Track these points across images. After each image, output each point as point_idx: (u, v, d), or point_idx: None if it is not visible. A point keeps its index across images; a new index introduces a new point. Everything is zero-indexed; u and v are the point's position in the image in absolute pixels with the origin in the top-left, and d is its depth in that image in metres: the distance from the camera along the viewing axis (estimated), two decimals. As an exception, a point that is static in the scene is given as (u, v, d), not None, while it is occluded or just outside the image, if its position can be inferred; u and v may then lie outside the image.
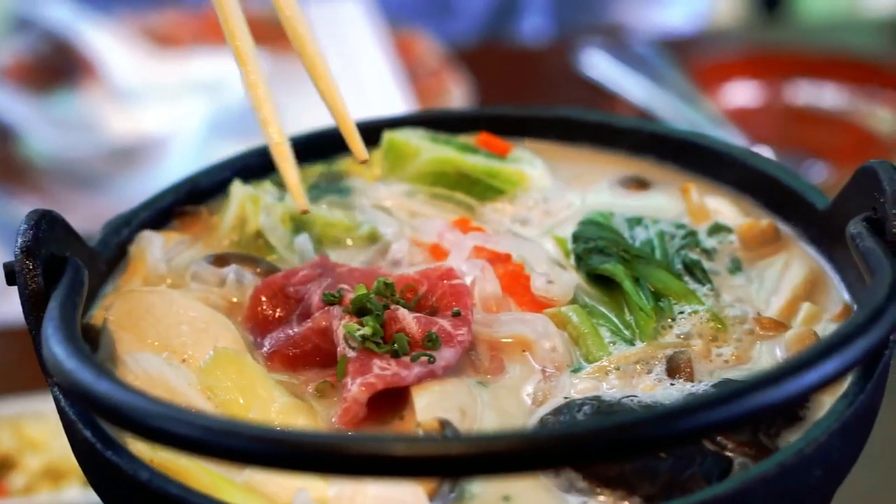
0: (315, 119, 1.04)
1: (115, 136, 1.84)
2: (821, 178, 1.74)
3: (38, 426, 1.29)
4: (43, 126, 1.83)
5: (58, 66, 1.96)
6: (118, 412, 0.64)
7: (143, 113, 1.87)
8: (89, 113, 1.89)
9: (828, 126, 1.95)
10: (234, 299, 0.88)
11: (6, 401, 1.32)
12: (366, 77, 1.94)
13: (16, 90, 1.91)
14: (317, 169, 1.04)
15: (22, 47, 2.02)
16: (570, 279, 0.89)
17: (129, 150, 1.82)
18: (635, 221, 0.95)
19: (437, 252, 0.92)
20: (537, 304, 0.87)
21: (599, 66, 2.03)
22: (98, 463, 0.73)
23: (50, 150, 1.82)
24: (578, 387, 0.80)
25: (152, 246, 0.91)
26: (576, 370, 0.82)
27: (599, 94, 1.96)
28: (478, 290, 0.85)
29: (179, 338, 0.83)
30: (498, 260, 0.89)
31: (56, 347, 0.70)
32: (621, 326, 0.85)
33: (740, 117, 1.92)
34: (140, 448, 0.73)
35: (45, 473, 1.26)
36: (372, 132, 1.03)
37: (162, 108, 1.84)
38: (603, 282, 0.89)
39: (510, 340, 0.83)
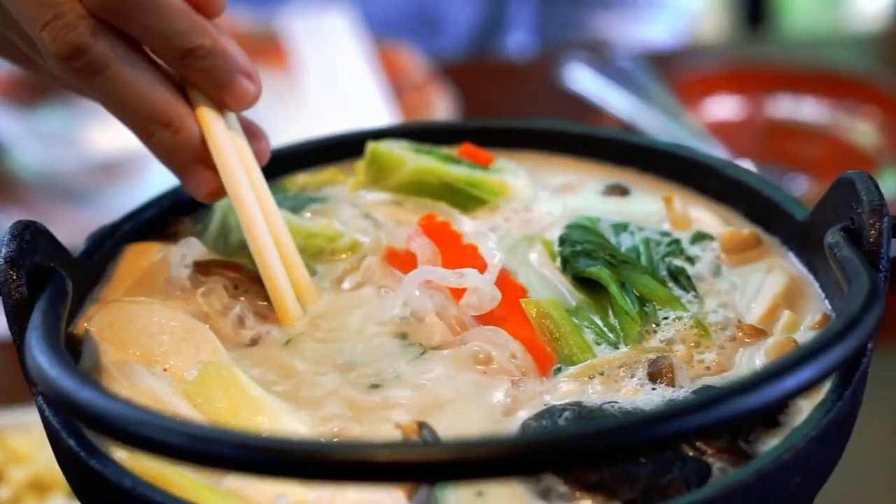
0: (296, 132, 1.05)
1: (99, 151, 1.85)
2: (802, 190, 1.75)
3: (23, 438, 1.29)
4: (29, 140, 1.84)
5: (44, 82, 1.97)
6: (102, 420, 0.64)
7: (127, 128, 1.87)
8: (74, 128, 1.89)
9: (809, 139, 1.97)
10: (217, 307, 0.89)
11: (-10, 413, 1.33)
12: (350, 89, 1.95)
13: (2, 105, 1.91)
14: (300, 179, 1.04)
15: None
16: (494, 264, 0.89)
17: (113, 164, 1.82)
18: (621, 227, 0.96)
19: (408, 258, 0.92)
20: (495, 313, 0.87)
21: (583, 80, 2.04)
22: (82, 471, 0.73)
23: (36, 164, 1.83)
24: (562, 389, 0.80)
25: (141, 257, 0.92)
26: (558, 371, 0.83)
27: (584, 107, 1.97)
28: (439, 317, 0.86)
29: (161, 347, 0.83)
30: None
31: (40, 356, 0.70)
32: (606, 330, 0.86)
33: (722, 131, 1.93)
34: (122, 456, 0.73)
35: (31, 485, 1.26)
36: (356, 143, 1.04)
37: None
38: (588, 285, 0.90)
39: (478, 353, 0.84)
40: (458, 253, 0.91)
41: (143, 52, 0.85)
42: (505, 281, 0.89)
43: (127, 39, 0.84)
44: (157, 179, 1.76)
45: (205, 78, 0.86)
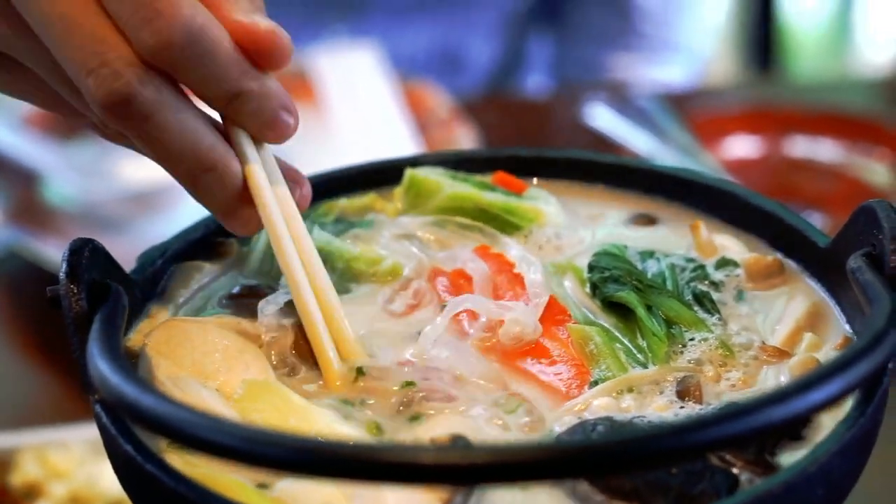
0: (324, 166, 1.08)
1: (133, 182, 1.89)
2: (817, 226, 1.78)
3: (63, 455, 1.33)
4: (65, 171, 1.88)
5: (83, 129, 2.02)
6: (165, 423, 0.68)
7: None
8: (108, 160, 1.94)
9: (823, 178, 2.01)
10: (263, 330, 0.91)
11: (31, 432, 1.37)
12: (377, 125, 1.99)
13: (40, 137, 1.96)
14: (340, 203, 1.08)
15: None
16: (538, 303, 0.92)
17: (146, 195, 1.87)
18: (647, 254, 1.00)
19: (461, 277, 0.97)
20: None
21: (603, 118, 2.08)
22: (139, 477, 0.76)
23: (72, 195, 1.87)
24: (594, 404, 0.84)
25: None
26: (593, 384, 0.86)
27: (603, 145, 2.01)
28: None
29: (213, 365, 0.87)
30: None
31: (101, 364, 0.73)
32: (635, 350, 0.90)
33: (738, 169, 1.98)
34: (177, 462, 0.77)
35: (70, 501, 1.30)
36: (394, 170, 1.08)
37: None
38: (617, 309, 0.94)
39: None
40: (507, 282, 0.95)
41: (184, 94, 0.83)
42: (549, 303, 0.93)
43: (172, 84, 0.81)
44: (190, 209, 1.80)
45: (250, 119, 0.85)
